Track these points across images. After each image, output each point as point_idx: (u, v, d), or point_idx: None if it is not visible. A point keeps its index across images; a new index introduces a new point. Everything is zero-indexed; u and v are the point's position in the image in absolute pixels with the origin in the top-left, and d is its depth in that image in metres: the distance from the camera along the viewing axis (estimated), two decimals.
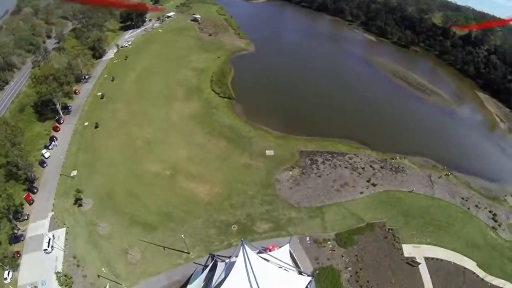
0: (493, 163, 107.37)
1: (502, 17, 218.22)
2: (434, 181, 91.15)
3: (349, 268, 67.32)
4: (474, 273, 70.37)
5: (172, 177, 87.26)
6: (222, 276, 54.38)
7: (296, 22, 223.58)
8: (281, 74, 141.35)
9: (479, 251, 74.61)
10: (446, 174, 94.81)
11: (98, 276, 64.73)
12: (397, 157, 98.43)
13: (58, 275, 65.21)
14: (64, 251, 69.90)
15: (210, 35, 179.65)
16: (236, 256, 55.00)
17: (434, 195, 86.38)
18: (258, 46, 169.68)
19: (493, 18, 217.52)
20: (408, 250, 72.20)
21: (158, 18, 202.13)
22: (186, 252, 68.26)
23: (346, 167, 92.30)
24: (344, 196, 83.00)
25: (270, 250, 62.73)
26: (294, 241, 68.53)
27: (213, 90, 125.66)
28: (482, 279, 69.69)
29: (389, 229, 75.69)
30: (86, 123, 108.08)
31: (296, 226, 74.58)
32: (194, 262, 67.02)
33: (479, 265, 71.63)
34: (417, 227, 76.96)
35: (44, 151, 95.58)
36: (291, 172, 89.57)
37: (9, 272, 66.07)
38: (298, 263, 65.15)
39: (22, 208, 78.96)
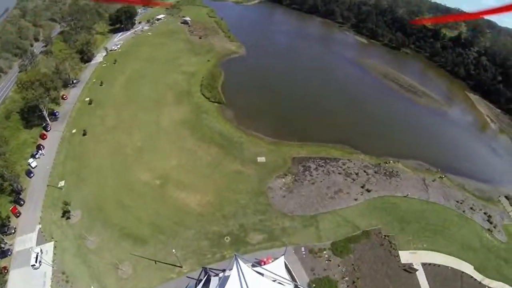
0: (485, 164, 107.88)
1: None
2: (428, 185, 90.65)
3: (346, 278, 65.80)
4: (472, 277, 69.96)
5: (163, 186, 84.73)
6: None
7: (287, 24, 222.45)
8: (272, 77, 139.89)
9: (476, 254, 74.30)
10: (440, 177, 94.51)
11: None
12: (391, 161, 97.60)
13: None
14: (53, 267, 67.09)
15: (200, 37, 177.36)
16: (230, 270, 53.35)
17: (429, 199, 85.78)
18: (249, 49, 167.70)
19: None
20: (405, 256, 71.21)
21: (148, 21, 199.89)
22: (179, 266, 65.93)
23: (339, 173, 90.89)
24: (339, 204, 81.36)
25: (264, 263, 61.18)
26: (289, 252, 66.78)
27: (203, 95, 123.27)
28: (480, 282, 69.33)
29: (385, 235, 74.50)
30: (73, 130, 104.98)
31: (290, 236, 72.67)
32: (187, 276, 64.72)
33: (476, 269, 71.17)
34: (413, 233, 76.05)
35: (31, 160, 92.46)
36: (283, 180, 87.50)
37: None
38: (294, 275, 63.13)
39: (9, 221, 75.69)
